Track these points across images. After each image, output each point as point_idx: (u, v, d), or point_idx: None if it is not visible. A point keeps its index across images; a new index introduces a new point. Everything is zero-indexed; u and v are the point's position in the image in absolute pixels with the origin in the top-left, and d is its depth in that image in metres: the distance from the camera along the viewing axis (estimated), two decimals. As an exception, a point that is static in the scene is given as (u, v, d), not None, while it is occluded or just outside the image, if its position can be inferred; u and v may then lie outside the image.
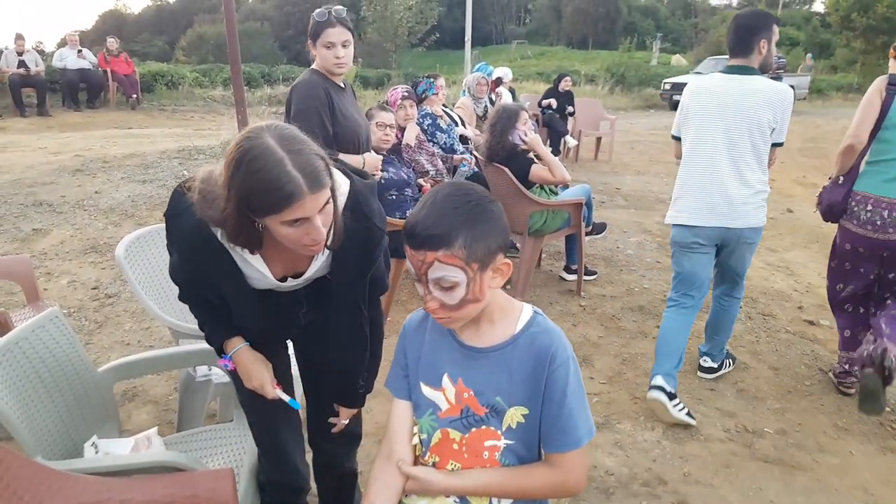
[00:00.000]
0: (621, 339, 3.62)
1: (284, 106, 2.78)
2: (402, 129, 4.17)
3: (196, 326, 1.60)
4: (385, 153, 3.63)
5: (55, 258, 4.44)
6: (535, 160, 3.91)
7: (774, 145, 2.75)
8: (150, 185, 6.07)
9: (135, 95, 12.52)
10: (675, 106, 18.37)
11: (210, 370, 2.31)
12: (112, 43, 12.49)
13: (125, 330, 3.55)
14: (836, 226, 3.08)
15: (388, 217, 3.44)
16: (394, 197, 3.62)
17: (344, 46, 2.65)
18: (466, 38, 20.28)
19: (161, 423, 2.68)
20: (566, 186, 4.36)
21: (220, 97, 14.38)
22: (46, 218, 5.12)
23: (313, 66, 2.72)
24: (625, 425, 2.80)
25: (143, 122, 11.27)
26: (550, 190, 4.14)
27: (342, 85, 2.82)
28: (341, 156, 2.49)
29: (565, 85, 9.33)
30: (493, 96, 7.56)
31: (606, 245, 5.26)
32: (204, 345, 1.99)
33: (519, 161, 3.90)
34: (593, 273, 4.48)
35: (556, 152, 8.63)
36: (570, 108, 9.24)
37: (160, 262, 2.37)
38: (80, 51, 11.68)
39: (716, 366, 3.24)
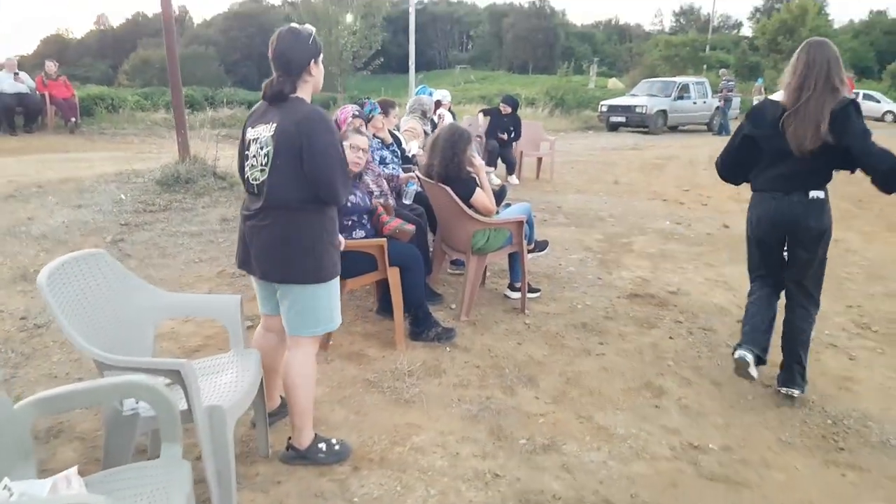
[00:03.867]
0: (565, 357, 3.57)
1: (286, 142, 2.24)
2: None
3: (124, 358, 1.44)
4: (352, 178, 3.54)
5: (-22, 288, 4.13)
6: (479, 185, 3.89)
7: None
8: (85, 210, 5.77)
9: (74, 119, 12.02)
10: (612, 127, 19.13)
11: (137, 403, 2.13)
12: (50, 66, 11.95)
13: (53, 362, 3.30)
14: None
15: (343, 238, 3.32)
16: (351, 222, 3.48)
17: None
18: (410, 63, 20.42)
19: (88, 460, 2.46)
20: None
21: (162, 120, 13.96)
22: (-27, 246, 4.79)
23: (300, 96, 2.29)
24: (571, 446, 2.73)
25: (81, 146, 10.80)
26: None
27: None
28: None
29: (504, 110, 9.21)
30: (436, 118, 7.55)
31: (549, 262, 5.25)
32: (131, 377, 1.83)
33: (465, 184, 3.86)
34: (537, 291, 4.44)
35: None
36: (504, 135, 9.16)
37: (87, 289, 2.18)
38: (16, 74, 11.14)
39: None
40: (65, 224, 5.25)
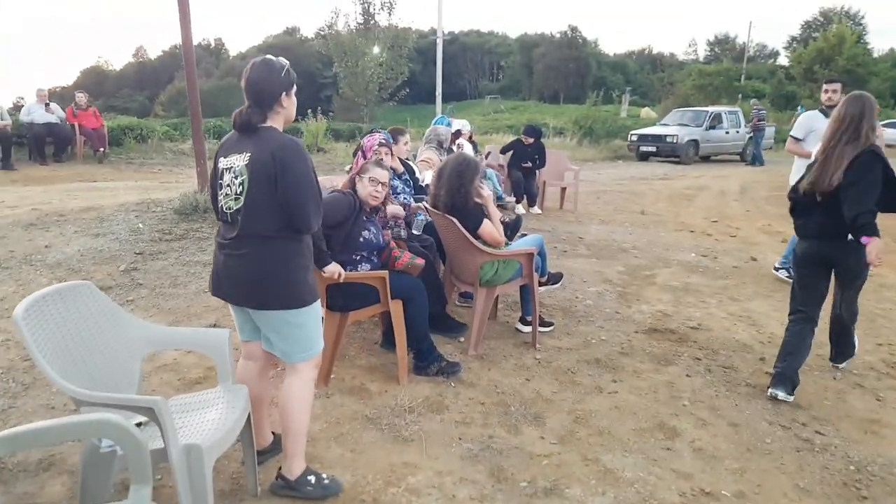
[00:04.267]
0: (575, 394, 3.43)
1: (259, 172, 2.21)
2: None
3: (98, 394, 1.38)
4: (368, 212, 3.52)
5: (-8, 316, 4.19)
6: (487, 216, 3.82)
7: None
8: (102, 239, 5.86)
9: (102, 149, 12.36)
10: (642, 157, 18.92)
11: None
12: (81, 97, 12.38)
13: (52, 392, 3.28)
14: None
15: (349, 270, 3.27)
16: (360, 257, 3.41)
17: None
18: (437, 93, 20.62)
19: (74, 495, 2.42)
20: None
21: (190, 150, 14.22)
22: (-9, 274, 4.88)
23: (272, 125, 2.28)
24: (574, 490, 2.60)
25: (108, 175, 11.07)
26: (501, 241, 4.03)
27: None
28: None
29: (525, 141, 9.11)
30: (455, 148, 7.54)
31: (565, 295, 5.13)
32: (97, 415, 1.78)
33: (473, 214, 3.80)
34: (549, 324, 4.32)
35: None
36: (528, 164, 9.05)
37: (68, 322, 2.16)
38: (47, 105, 11.55)
39: None
40: (80, 252, 5.32)
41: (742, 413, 3.31)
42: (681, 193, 11.97)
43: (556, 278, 4.60)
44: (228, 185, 2.29)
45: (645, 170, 16.39)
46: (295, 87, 2.34)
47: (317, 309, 2.40)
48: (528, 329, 4.19)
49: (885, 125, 22.82)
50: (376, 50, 20.30)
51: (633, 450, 2.92)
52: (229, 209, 2.28)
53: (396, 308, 3.34)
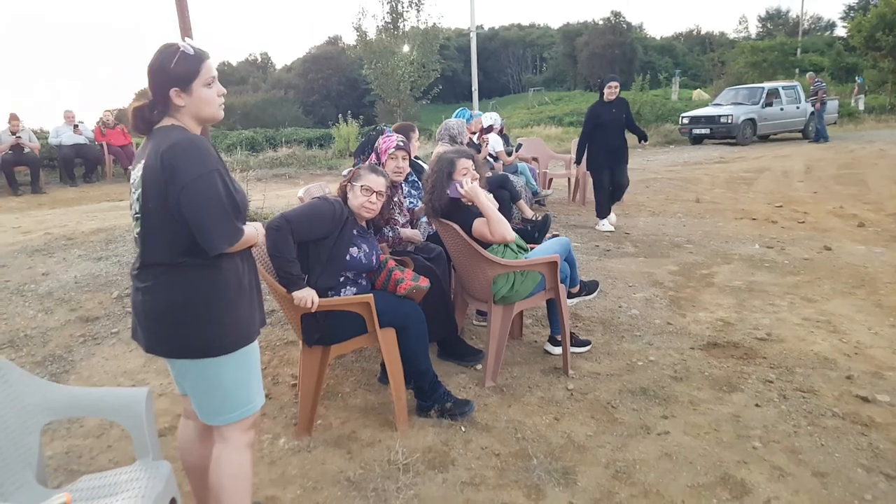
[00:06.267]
0: (616, 437, 2.77)
1: (147, 186, 1.74)
2: (392, 186, 3.41)
3: None
4: (362, 225, 2.94)
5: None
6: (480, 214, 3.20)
7: None
8: (103, 263, 5.48)
9: (130, 167, 12.22)
10: (695, 140, 17.81)
11: None
12: (108, 115, 12.28)
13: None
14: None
15: (330, 295, 2.72)
16: (344, 278, 2.83)
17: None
18: (474, 89, 19.97)
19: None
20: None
21: (219, 163, 14.12)
22: (-21, 305, 4.55)
23: (175, 123, 1.79)
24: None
25: (136, 194, 10.90)
26: (519, 247, 3.39)
27: None
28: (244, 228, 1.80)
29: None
30: (481, 143, 6.91)
31: (607, 304, 4.44)
32: None
33: (462, 216, 3.20)
34: (585, 343, 3.66)
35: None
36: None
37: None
38: (76, 126, 11.47)
39: None
40: (75, 280, 4.93)
41: (830, 456, 2.59)
42: (739, 177, 10.98)
43: (590, 287, 3.92)
44: (131, 204, 1.81)
45: (698, 154, 15.33)
46: (203, 78, 1.77)
47: (246, 357, 1.86)
48: (558, 351, 3.54)
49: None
50: (406, 49, 19.72)
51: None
52: (135, 233, 1.79)
53: (387, 339, 2.74)
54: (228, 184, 1.76)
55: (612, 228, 6.96)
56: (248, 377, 1.87)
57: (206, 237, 1.69)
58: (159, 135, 1.74)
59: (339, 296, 2.76)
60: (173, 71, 1.72)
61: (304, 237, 2.66)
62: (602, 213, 7.08)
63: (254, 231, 1.89)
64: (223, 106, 1.87)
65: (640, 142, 7.60)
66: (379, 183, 2.87)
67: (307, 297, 2.54)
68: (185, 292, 1.75)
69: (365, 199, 2.83)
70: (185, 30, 6.14)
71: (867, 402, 3.04)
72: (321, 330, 2.69)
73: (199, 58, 1.77)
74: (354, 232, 2.83)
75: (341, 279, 2.80)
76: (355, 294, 2.79)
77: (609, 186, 7.00)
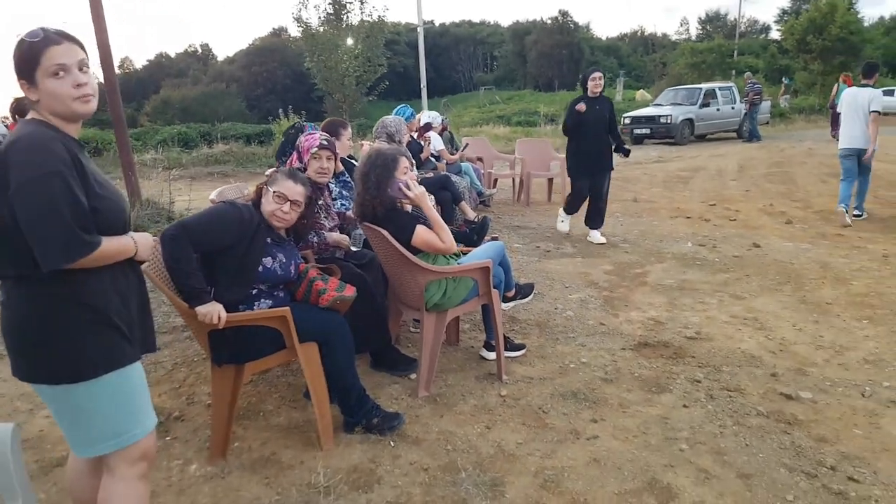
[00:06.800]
0: (545, 444, 2.74)
1: None
2: (315, 187, 3.16)
3: None
4: (279, 234, 2.72)
5: None
6: (422, 220, 3.11)
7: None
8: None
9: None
10: (637, 140, 18.15)
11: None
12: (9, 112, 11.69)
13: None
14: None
15: (242, 310, 2.57)
16: (257, 291, 2.64)
17: (83, 71, 1.66)
18: (422, 86, 19.91)
19: None
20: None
21: (151, 161, 13.62)
22: None
23: (35, 117, 1.67)
24: None
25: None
26: (454, 254, 3.33)
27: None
28: (105, 240, 1.64)
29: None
30: (422, 142, 6.86)
31: (543, 307, 4.44)
32: None
33: (402, 221, 3.08)
34: (520, 347, 3.65)
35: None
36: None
37: None
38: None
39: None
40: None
41: (755, 457, 2.62)
42: (676, 176, 11.26)
43: (526, 291, 3.90)
44: None
45: (638, 153, 15.61)
46: (46, 67, 1.58)
47: (119, 383, 1.68)
48: (493, 356, 3.51)
49: (884, 92, 21.94)
50: (350, 42, 19.39)
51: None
52: None
53: (308, 354, 2.61)
54: (75, 189, 1.56)
55: (568, 229, 6.81)
56: (124, 404, 1.69)
57: (37, 249, 1.52)
58: (15, 130, 1.60)
59: (252, 309, 2.60)
60: (15, 61, 1.57)
61: (207, 246, 2.46)
62: (569, 210, 6.69)
63: (129, 242, 1.72)
64: (87, 99, 1.65)
65: (615, 152, 6.47)
66: (295, 192, 2.64)
67: (212, 311, 2.35)
68: (36, 309, 1.59)
69: (277, 206, 2.61)
70: (98, 18, 5.85)
71: (791, 399, 3.10)
72: (232, 347, 2.53)
73: (40, 45, 1.57)
74: (268, 240, 2.63)
75: (254, 291, 2.62)
76: (271, 307, 2.62)
77: (586, 194, 6.41)
